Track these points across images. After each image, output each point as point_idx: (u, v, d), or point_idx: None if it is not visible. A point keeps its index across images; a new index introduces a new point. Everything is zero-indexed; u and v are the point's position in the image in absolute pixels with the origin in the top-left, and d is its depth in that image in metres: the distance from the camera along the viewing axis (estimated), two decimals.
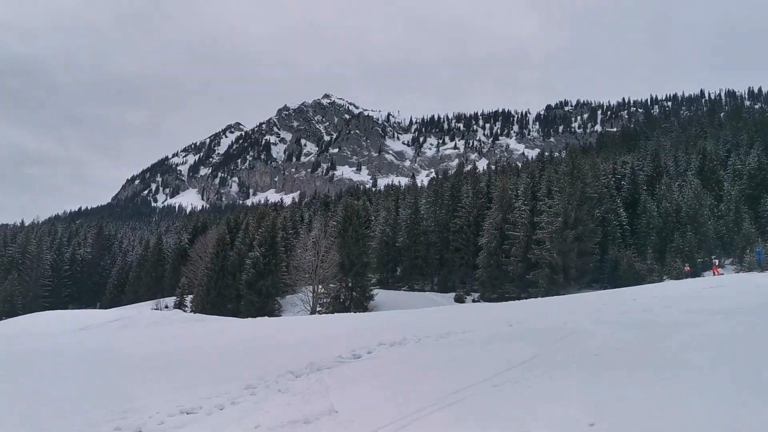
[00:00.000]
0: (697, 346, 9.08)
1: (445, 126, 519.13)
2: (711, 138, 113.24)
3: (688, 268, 65.98)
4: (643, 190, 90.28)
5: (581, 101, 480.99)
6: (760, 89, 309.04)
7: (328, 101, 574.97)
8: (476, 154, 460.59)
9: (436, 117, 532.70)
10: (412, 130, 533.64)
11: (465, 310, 23.19)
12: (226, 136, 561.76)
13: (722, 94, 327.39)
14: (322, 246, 66.18)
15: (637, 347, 9.89)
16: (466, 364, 9.97)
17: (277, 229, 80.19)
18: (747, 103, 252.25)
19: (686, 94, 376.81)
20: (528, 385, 8.04)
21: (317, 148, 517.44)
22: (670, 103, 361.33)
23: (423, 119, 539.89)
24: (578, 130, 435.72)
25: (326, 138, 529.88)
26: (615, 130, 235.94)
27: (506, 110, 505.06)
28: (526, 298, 72.41)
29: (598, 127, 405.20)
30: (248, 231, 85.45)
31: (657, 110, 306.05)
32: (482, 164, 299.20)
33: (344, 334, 15.91)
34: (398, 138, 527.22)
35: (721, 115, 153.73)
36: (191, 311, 77.42)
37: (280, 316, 68.64)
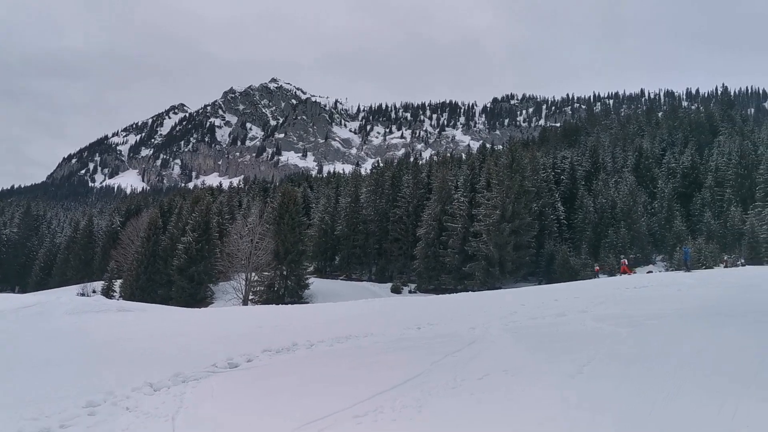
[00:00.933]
0: (590, 373, 8.14)
1: (393, 115, 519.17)
2: (648, 136, 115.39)
3: (598, 267, 66.32)
4: (581, 185, 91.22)
5: (527, 95, 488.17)
6: (697, 90, 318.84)
7: (276, 85, 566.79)
8: (423, 144, 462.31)
9: (384, 106, 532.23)
10: (360, 118, 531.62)
11: (382, 307, 22.08)
12: (170, 117, 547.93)
13: (661, 94, 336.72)
14: (257, 232, 64.21)
15: (528, 368, 8.92)
16: (340, 383, 8.82)
17: (212, 213, 77.70)
18: (685, 103, 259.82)
19: (627, 93, 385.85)
20: (392, 418, 6.94)
21: (263, 133, 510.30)
22: (611, 101, 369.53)
23: (371, 107, 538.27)
24: (523, 124, 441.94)
25: (272, 123, 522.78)
26: (558, 125, 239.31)
27: (454, 102, 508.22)
28: (462, 291, 72.34)
29: (542, 122, 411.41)
30: (182, 215, 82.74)
31: (599, 107, 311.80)
32: (428, 154, 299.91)
33: (236, 334, 14.58)
34: (345, 125, 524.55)
35: (659, 114, 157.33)
36: (120, 297, 74.59)
37: (212, 303, 66.63)
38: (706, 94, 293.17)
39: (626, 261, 52.88)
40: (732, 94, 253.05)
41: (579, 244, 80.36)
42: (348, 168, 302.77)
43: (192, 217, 76.16)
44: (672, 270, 55.16)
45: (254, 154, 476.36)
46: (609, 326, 11.66)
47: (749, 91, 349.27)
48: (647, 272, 63.94)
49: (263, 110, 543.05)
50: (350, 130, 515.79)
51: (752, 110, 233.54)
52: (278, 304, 53.63)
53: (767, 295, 13.84)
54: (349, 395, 7.91)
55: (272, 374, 9.87)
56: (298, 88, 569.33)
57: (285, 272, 72.41)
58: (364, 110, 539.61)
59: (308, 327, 15.52)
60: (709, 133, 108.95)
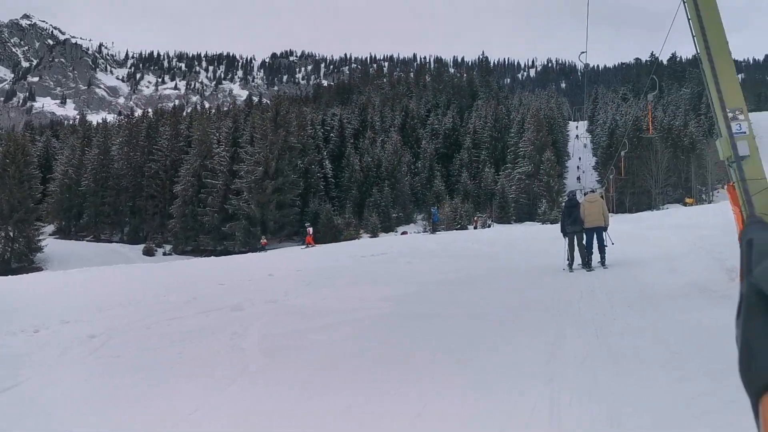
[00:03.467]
0: None
1: (166, 64, 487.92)
2: (415, 98, 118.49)
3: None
4: (349, 143, 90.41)
5: (306, 52, 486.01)
6: (463, 58, 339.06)
7: (28, 23, 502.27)
8: (198, 96, 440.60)
9: (156, 54, 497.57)
10: (129, 65, 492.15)
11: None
12: None
13: (431, 60, 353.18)
14: None
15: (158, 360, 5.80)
16: None
17: None
18: (452, 70, 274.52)
19: (402, 57, 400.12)
20: None
21: (13, 75, 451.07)
22: (387, 63, 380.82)
23: (141, 54, 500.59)
24: (302, 81, 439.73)
25: (24, 64, 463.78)
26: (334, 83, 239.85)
27: (231, 54, 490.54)
28: (221, 252, 67.91)
29: (321, 80, 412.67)
30: None
31: (375, 68, 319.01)
32: (205, 107, 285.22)
33: None
34: (112, 72, 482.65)
35: (427, 77, 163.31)
36: None
37: None
38: (470, 63, 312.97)
39: (311, 229, 42.49)
40: (492, 63, 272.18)
41: (345, 203, 79.56)
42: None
43: None
44: (427, 231, 55.47)
45: (2, 99, 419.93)
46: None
47: (506, 62, 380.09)
48: (401, 233, 64.53)
49: (13, 49, 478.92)
50: (117, 78, 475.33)
51: (508, 80, 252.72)
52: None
53: (497, 278, 11.77)
54: None
55: None
56: (55, 27, 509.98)
57: (11, 233, 62.38)
58: (133, 57, 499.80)
59: None
60: (470, 97, 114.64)
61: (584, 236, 12.62)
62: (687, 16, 8.30)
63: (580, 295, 8.69)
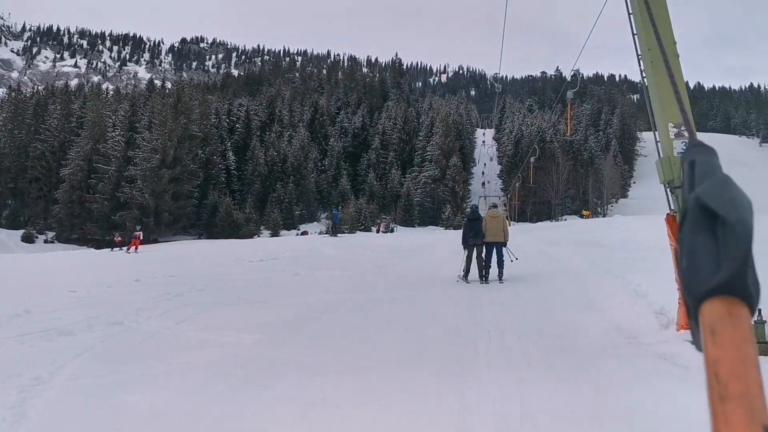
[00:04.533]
0: None
1: (66, 40, 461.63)
2: (326, 94, 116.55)
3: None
4: (255, 135, 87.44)
5: (218, 40, 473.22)
6: (377, 59, 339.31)
7: None
8: (100, 77, 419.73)
9: (55, 28, 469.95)
10: (25, 38, 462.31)
11: None
12: None
13: (345, 58, 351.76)
14: None
15: None
16: None
17: None
18: (365, 70, 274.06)
19: (316, 52, 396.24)
20: None
21: None
22: (300, 58, 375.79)
23: (39, 28, 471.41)
24: (212, 69, 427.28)
25: None
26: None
27: (138, 35, 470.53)
28: (108, 243, 63.93)
29: (233, 70, 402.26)
30: None
31: (287, 62, 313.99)
32: (106, 89, 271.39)
33: None
34: (6, 44, 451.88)
35: (339, 74, 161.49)
36: None
37: None
38: (384, 64, 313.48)
39: (141, 234, 35.76)
40: (405, 66, 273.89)
41: (246, 197, 76.73)
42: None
43: None
44: (325, 233, 53.61)
45: None
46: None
47: (419, 66, 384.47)
48: (301, 233, 62.73)
49: None
50: (12, 50, 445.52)
51: (420, 83, 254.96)
52: None
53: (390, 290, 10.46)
54: None
55: None
56: None
57: None
58: (30, 30, 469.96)
59: None
60: (381, 98, 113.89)
61: (484, 249, 12.97)
62: (628, 11, 7.05)
63: (488, 339, 6.98)
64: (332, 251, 21.52)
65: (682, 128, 6.35)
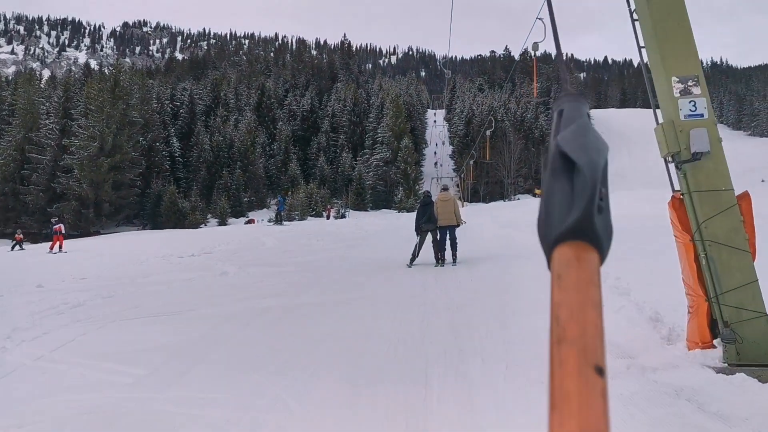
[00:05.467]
0: None
1: (2, 26, 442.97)
2: (273, 77, 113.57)
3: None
4: (200, 120, 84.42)
5: (162, 24, 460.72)
6: (325, 41, 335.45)
7: None
8: (39, 63, 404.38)
9: None
10: None
11: None
12: None
13: (294, 40, 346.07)
14: None
15: None
16: None
17: None
18: (314, 52, 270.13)
19: (263, 35, 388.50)
20: None
21: None
22: (247, 41, 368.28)
23: None
24: (156, 54, 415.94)
25: None
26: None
27: (77, 20, 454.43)
28: (46, 237, 60.81)
29: (178, 54, 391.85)
30: None
31: (234, 45, 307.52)
32: (46, 76, 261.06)
33: None
34: None
35: (287, 56, 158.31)
36: None
37: None
38: (333, 46, 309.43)
39: (61, 227, 28.75)
40: (355, 48, 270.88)
41: (192, 185, 74.00)
42: None
43: None
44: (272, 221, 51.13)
45: None
46: None
47: (368, 47, 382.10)
48: (247, 221, 60.44)
49: None
50: None
51: (370, 65, 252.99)
52: None
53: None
54: None
55: None
56: None
57: None
58: None
59: None
60: (329, 80, 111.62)
61: (437, 233, 13.06)
62: None
63: (445, 368, 5.25)
64: (273, 242, 19.88)
65: (691, 82, 4.90)
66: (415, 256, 12.99)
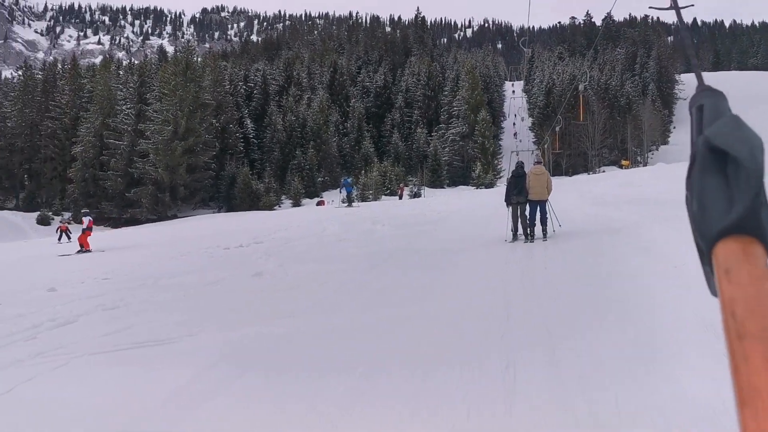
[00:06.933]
0: None
1: (88, 18, 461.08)
2: (346, 54, 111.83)
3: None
4: (273, 101, 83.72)
5: (239, 8, 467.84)
6: (400, 17, 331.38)
7: None
8: (124, 52, 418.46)
9: (77, 6, 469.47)
10: (48, 18, 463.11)
11: None
12: None
13: (368, 18, 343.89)
14: None
15: None
16: None
17: None
18: (388, 29, 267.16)
19: (338, 14, 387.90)
20: None
21: None
22: (322, 21, 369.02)
23: (61, 7, 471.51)
24: (234, 38, 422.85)
25: None
26: None
27: (159, 8, 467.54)
28: (127, 221, 61.77)
29: (254, 37, 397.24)
30: None
31: (309, 25, 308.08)
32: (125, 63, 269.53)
33: None
34: (30, 25, 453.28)
35: (360, 33, 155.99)
36: None
37: None
38: (407, 22, 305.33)
39: (88, 219, 23.61)
40: (429, 23, 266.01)
41: (266, 166, 73.40)
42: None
43: None
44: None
45: None
46: None
47: (443, 21, 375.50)
48: (318, 203, 58.69)
49: None
50: (36, 31, 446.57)
51: (445, 39, 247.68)
52: None
53: None
54: None
55: None
56: None
57: None
58: (52, 9, 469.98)
59: None
60: (403, 54, 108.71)
61: (528, 207, 12.71)
62: None
63: None
64: (335, 228, 17.92)
65: None
66: (516, 229, 12.66)
